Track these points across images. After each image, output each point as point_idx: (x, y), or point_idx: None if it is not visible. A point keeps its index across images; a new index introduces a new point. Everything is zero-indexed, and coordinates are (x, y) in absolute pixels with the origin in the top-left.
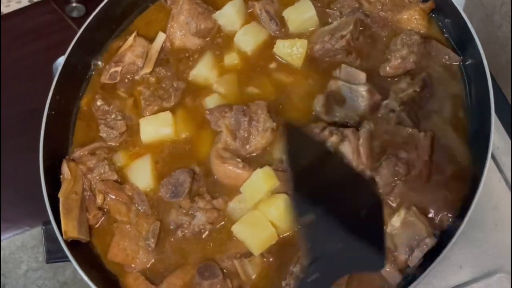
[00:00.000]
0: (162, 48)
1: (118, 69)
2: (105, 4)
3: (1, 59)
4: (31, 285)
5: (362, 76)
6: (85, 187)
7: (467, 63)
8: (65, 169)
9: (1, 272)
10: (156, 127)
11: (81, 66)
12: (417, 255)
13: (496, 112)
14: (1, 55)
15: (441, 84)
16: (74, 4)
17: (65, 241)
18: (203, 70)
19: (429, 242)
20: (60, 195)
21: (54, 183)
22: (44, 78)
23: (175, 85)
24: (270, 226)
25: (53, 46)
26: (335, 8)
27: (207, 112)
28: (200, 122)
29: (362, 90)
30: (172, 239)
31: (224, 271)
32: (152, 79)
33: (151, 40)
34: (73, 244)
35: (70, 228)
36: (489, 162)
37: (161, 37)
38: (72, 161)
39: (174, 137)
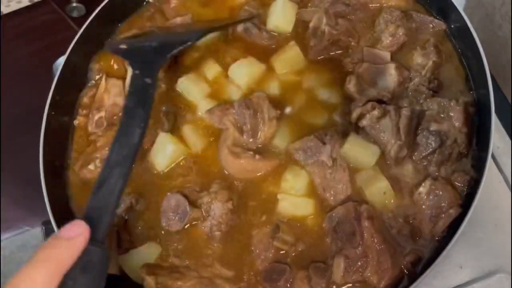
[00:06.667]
0: None
1: (102, 114)
2: (105, 4)
3: (1, 59)
4: None
5: (387, 55)
6: None
7: (452, 26)
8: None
9: (1, 272)
10: (164, 151)
11: (81, 66)
12: (442, 225)
13: (496, 112)
14: (1, 55)
15: None
16: (74, 4)
17: None
18: (191, 77)
19: (454, 212)
20: None
21: (54, 183)
22: (44, 78)
23: (163, 109)
24: (306, 199)
25: (53, 46)
26: (315, 6)
27: (207, 112)
28: (209, 132)
29: (391, 68)
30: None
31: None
32: None
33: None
34: None
35: None
36: (489, 162)
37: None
38: None
39: (187, 153)
